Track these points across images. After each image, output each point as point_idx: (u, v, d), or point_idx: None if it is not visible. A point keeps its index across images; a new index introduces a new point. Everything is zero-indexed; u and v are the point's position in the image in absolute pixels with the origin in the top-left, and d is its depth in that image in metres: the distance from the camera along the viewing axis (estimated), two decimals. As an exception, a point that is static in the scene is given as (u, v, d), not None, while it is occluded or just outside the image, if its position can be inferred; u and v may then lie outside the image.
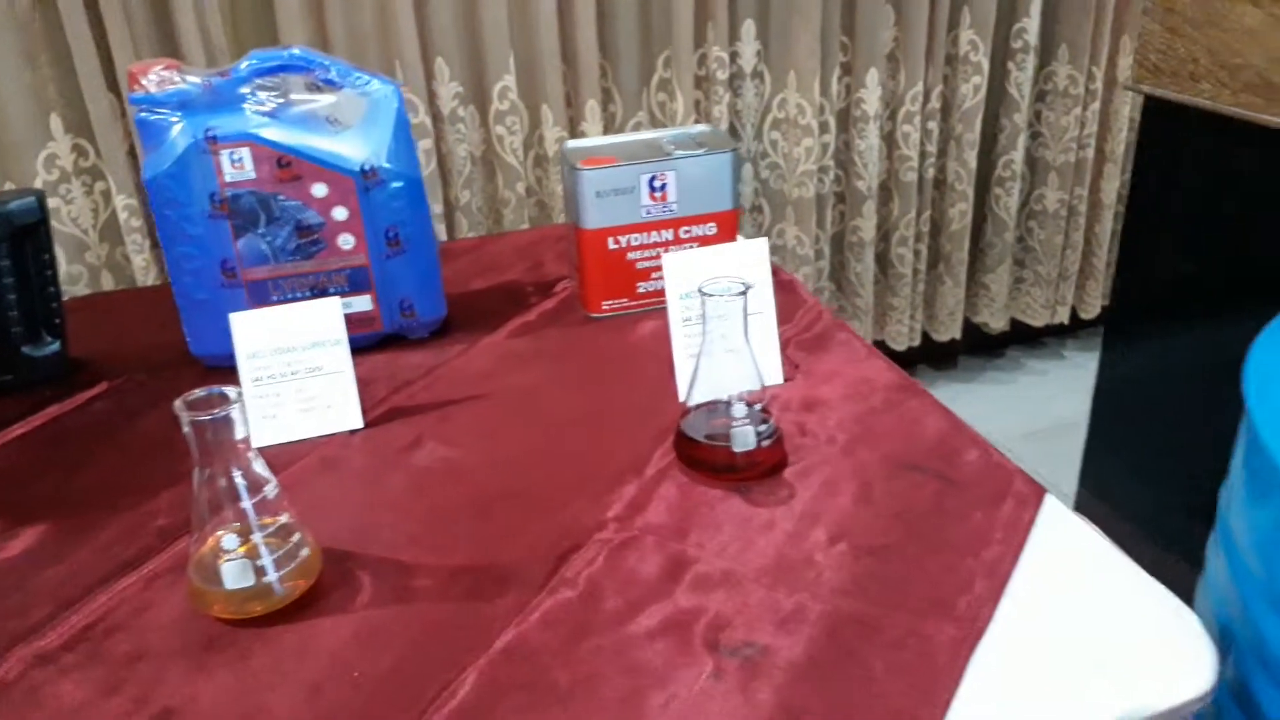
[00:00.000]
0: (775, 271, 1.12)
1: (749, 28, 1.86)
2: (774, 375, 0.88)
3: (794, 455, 0.78)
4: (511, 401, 0.88)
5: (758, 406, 0.76)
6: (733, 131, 1.94)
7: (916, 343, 2.27)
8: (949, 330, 2.27)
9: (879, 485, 0.74)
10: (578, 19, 1.72)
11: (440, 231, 1.76)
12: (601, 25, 1.75)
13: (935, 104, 2.02)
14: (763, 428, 0.75)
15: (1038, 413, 2.13)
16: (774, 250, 2.08)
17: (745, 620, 0.62)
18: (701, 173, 0.98)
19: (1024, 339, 2.39)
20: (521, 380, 0.91)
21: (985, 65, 2.00)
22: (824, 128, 1.96)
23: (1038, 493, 0.73)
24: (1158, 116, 1.32)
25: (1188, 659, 0.58)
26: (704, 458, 0.76)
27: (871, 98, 1.95)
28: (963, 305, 2.26)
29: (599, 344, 0.97)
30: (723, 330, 0.73)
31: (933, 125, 2.04)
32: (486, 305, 1.05)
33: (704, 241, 1.01)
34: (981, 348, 2.39)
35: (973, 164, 2.08)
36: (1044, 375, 2.29)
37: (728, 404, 0.75)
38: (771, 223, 2.05)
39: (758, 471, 0.76)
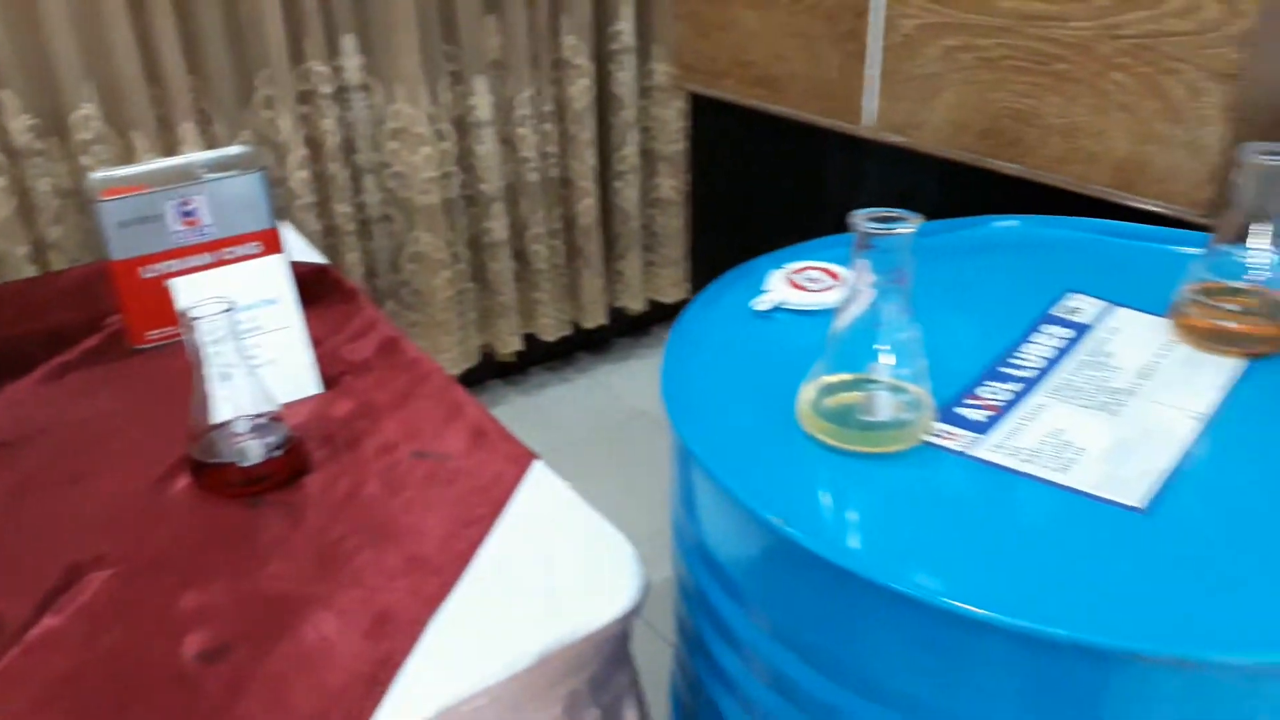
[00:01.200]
0: (338, 282, 1.16)
1: (349, 41, 1.88)
2: (309, 385, 0.92)
3: (322, 459, 0.82)
4: (30, 445, 0.86)
5: (265, 419, 0.79)
6: (348, 144, 1.95)
7: (568, 332, 2.39)
8: (595, 317, 2.40)
9: (392, 474, 0.80)
10: (159, 41, 1.67)
11: (29, 271, 1.66)
12: (188, 45, 1.71)
13: (548, 107, 2.13)
14: (271, 439, 0.79)
15: (679, 384, 2.30)
16: (411, 258, 2.11)
17: (226, 626, 0.65)
18: (233, 194, 1.00)
19: (664, 316, 2.56)
20: (47, 422, 0.89)
21: (590, 67, 2.13)
22: (441, 135, 2.01)
23: (527, 458, 0.81)
24: (700, 111, 1.47)
25: (618, 587, 0.68)
26: (215, 477, 0.78)
27: (484, 104, 2.02)
28: (604, 292, 2.39)
29: (141, 376, 0.97)
30: (222, 350, 0.76)
31: (549, 127, 2.15)
32: (23, 349, 1.01)
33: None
34: (629, 329, 2.55)
35: (591, 161, 2.21)
36: (684, 349, 2.47)
37: (235, 421, 0.78)
38: (405, 231, 2.08)
39: (271, 483, 0.79)
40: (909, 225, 0.61)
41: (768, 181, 1.38)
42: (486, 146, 2.06)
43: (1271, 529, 0.58)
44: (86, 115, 1.65)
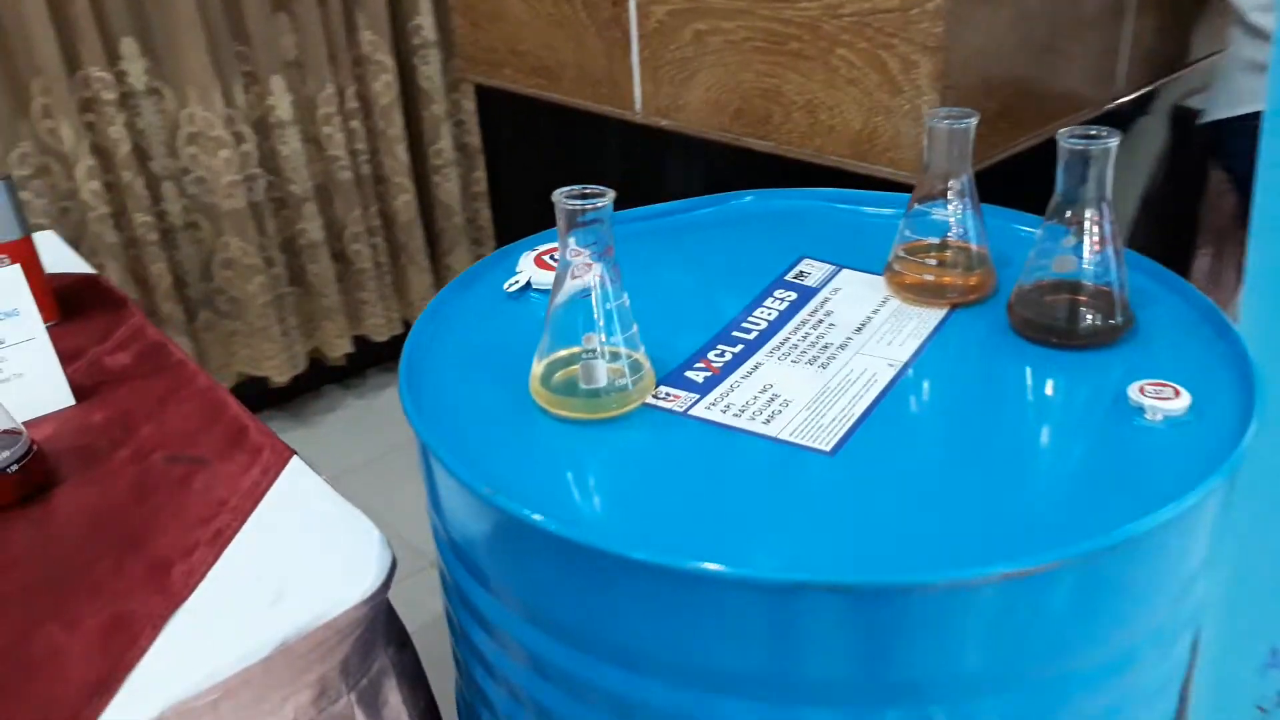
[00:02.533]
0: (107, 291, 1.12)
1: (130, 45, 1.81)
2: (60, 398, 0.90)
3: (71, 470, 0.81)
4: None
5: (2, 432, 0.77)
6: (139, 150, 1.89)
7: (399, 330, 2.37)
8: (424, 314, 2.38)
9: (144, 481, 0.79)
10: (-87, 51, 1.58)
11: None
12: (-52, 55, 1.62)
13: (353, 104, 2.10)
14: (5, 454, 0.77)
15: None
16: (223, 264, 2.06)
17: (-54, 645, 0.64)
18: (-28, 208, 0.96)
19: (495, 310, 2.57)
20: None
21: (390, 63, 2.11)
22: (240, 138, 1.96)
23: (285, 455, 0.82)
24: (488, 102, 1.49)
25: (360, 571, 0.69)
26: (-53, 496, 0.76)
27: (283, 104, 1.99)
28: (433, 289, 2.38)
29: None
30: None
31: (355, 124, 2.12)
32: None
33: (-3, 277, 0.99)
34: (461, 325, 2.54)
35: (404, 157, 2.20)
36: (515, 340, 2.48)
37: (-34, 438, 0.76)
38: (213, 237, 2.02)
39: (9, 499, 0.77)
40: (605, 199, 0.64)
41: (556, 169, 1.40)
42: (291, 147, 2.03)
43: (937, 464, 0.64)
44: None
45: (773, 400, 0.70)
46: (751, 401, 0.70)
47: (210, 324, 2.10)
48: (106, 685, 0.61)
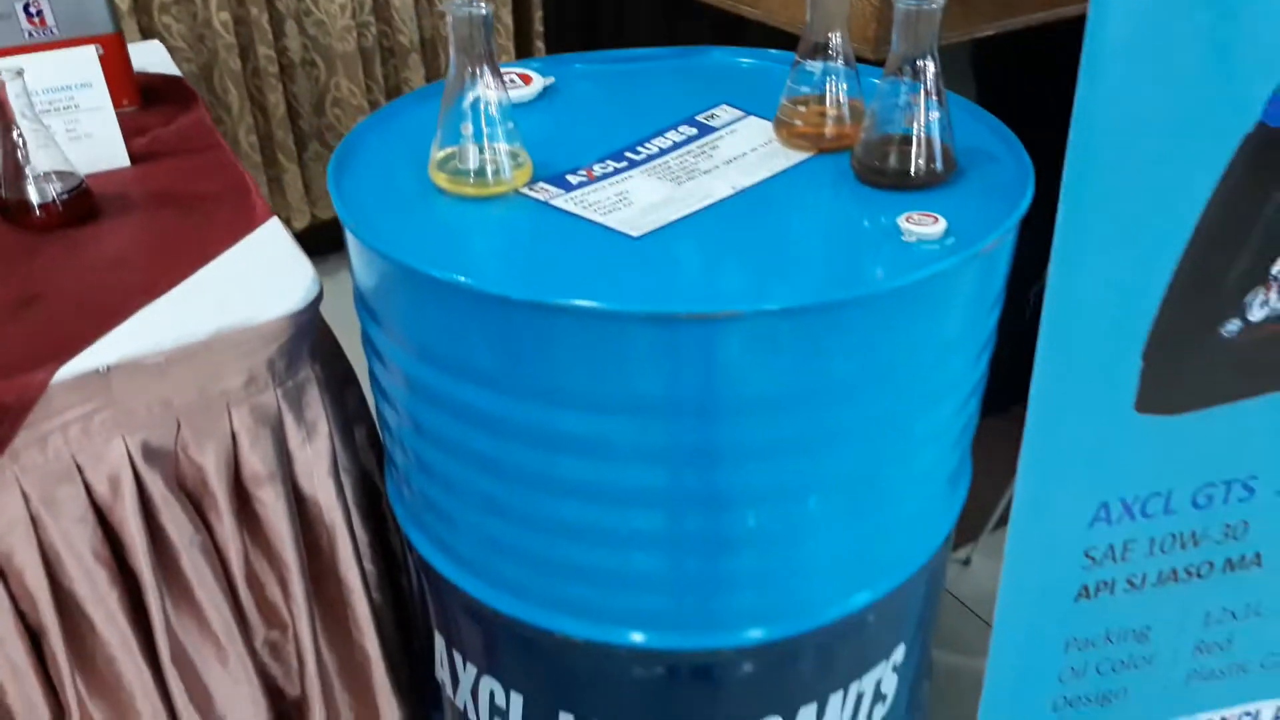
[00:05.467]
0: (187, 91, 1.35)
1: (266, -109, 2.02)
2: (118, 159, 1.12)
3: (112, 211, 1.03)
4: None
5: (57, 171, 1.00)
6: (269, -10, 2.12)
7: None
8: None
9: (154, 222, 1.01)
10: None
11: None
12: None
13: (464, -36, 2.27)
14: (59, 186, 1.00)
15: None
16: (334, 102, 2.29)
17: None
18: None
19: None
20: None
21: (503, -72, 2.26)
22: (356, -15, 2.17)
23: (266, 214, 1.01)
24: None
25: (289, 291, 0.89)
26: (16, 210, 0.99)
27: (398, -43, 2.17)
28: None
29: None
30: (25, 110, 0.96)
31: (465, -16, 2.29)
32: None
33: (93, 61, 1.22)
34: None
35: (507, 19, 2.36)
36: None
37: (32, 168, 0.99)
38: (326, 77, 2.26)
39: (60, 219, 1.00)
40: (483, 8, 0.79)
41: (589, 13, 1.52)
42: None
43: (716, 249, 0.79)
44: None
45: (620, 201, 0.84)
46: (604, 200, 0.85)
47: (318, 155, 2.35)
48: (85, 338, 0.83)
